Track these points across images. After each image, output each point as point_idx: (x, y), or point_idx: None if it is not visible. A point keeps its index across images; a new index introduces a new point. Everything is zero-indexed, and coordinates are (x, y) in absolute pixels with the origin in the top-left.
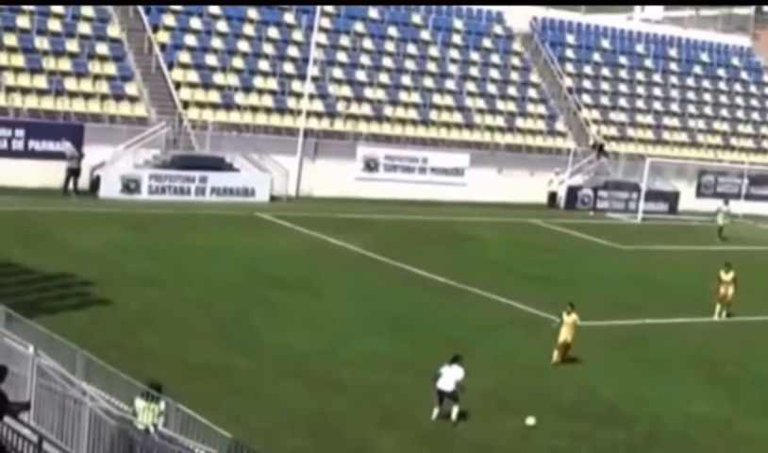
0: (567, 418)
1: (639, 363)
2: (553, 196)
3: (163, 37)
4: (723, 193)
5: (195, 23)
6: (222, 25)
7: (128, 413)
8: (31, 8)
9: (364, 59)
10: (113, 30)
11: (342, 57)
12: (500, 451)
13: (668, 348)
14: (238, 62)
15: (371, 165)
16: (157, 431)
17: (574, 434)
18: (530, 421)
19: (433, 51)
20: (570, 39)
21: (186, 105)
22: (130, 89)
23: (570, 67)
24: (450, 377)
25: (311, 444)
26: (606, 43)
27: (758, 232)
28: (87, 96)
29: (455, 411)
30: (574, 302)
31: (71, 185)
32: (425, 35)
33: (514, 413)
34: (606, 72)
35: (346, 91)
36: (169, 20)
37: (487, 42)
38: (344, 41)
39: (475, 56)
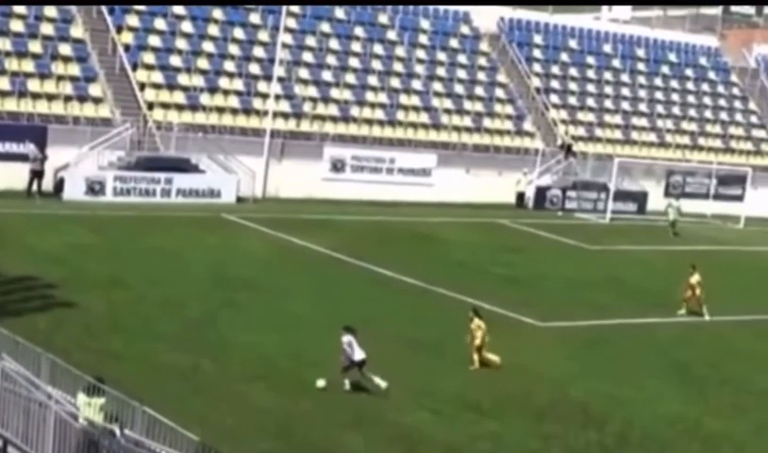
0: (539, 419)
1: (609, 364)
2: (521, 196)
3: (127, 37)
4: (691, 193)
5: (160, 23)
6: (186, 26)
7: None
8: None
9: (331, 60)
10: (77, 31)
11: (308, 57)
12: (472, 452)
13: (638, 349)
14: (203, 63)
15: (338, 166)
16: (123, 434)
17: (546, 435)
18: (320, 383)
19: (400, 51)
20: (537, 39)
21: (151, 106)
22: (94, 90)
23: (537, 67)
24: (357, 345)
25: (280, 446)
26: (573, 43)
27: (726, 232)
28: (50, 97)
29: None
30: (477, 308)
31: (34, 187)
32: (391, 35)
33: (485, 415)
34: (573, 72)
35: (313, 91)
36: (133, 20)
37: (454, 43)
38: (311, 41)
39: (442, 56)
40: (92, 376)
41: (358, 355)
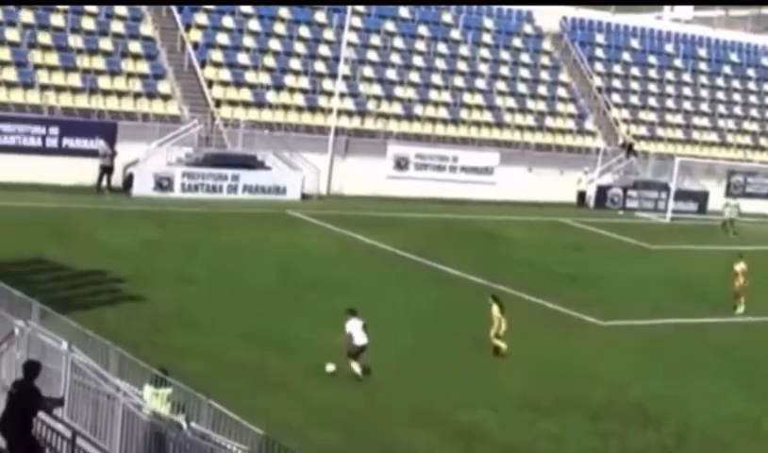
0: (598, 418)
1: (668, 363)
2: (582, 195)
3: (196, 35)
4: (752, 193)
5: (227, 21)
6: (254, 24)
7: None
8: (65, 6)
9: (395, 58)
10: (146, 29)
11: (372, 55)
12: (531, 451)
13: (697, 348)
14: (269, 61)
15: (401, 164)
16: (189, 427)
17: (604, 434)
18: (330, 368)
19: (463, 50)
20: (599, 38)
21: (218, 103)
22: (163, 87)
23: (599, 66)
24: (360, 330)
25: (342, 441)
26: (635, 43)
27: None
28: (120, 94)
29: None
30: (497, 295)
31: (104, 183)
32: (455, 34)
33: (545, 414)
34: (635, 71)
35: (377, 89)
36: (201, 19)
37: (517, 42)
38: (375, 40)
39: (505, 55)
40: (157, 368)
41: (360, 340)
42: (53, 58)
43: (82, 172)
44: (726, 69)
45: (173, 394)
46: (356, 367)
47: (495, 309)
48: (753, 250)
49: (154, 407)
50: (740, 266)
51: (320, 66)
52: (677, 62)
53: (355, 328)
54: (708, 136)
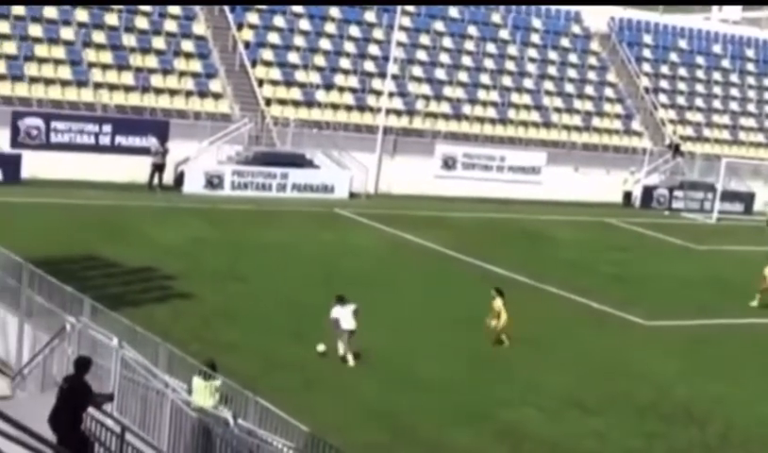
0: (642, 418)
1: (713, 363)
2: (628, 196)
3: (247, 35)
4: None
5: (279, 21)
6: (304, 24)
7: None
8: (120, 6)
9: (444, 58)
10: (199, 28)
11: (421, 55)
12: (576, 450)
13: (742, 349)
14: (319, 60)
15: (449, 163)
16: (236, 424)
17: (648, 434)
18: (320, 348)
19: (512, 50)
20: (647, 39)
21: (268, 102)
22: (214, 86)
23: (647, 67)
24: (349, 315)
25: (387, 439)
26: (683, 44)
27: None
28: (172, 93)
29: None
30: (502, 289)
31: (156, 180)
32: (504, 34)
33: (591, 413)
34: (683, 72)
35: (426, 89)
36: (253, 18)
37: (565, 42)
38: (424, 39)
39: (553, 55)
40: (205, 360)
41: (347, 324)
42: (107, 57)
43: (134, 169)
44: None
45: (221, 386)
46: (340, 348)
47: (498, 302)
48: None
49: (201, 398)
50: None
51: (369, 65)
52: (725, 63)
53: (341, 314)
54: (754, 137)
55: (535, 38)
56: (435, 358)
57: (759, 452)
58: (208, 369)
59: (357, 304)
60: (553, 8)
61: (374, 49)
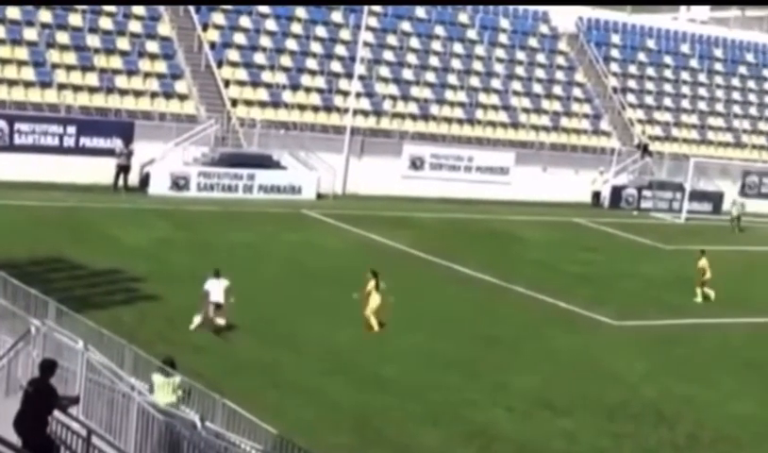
0: (611, 418)
1: (682, 363)
2: (597, 195)
3: (213, 35)
4: (767, 194)
5: (244, 21)
6: (270, 24)
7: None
8: (83, 6)
9: (411, 58)
10: (164, 29)
11: (388, 56)
12: (545, 450)
13: (711, 348)
14: (286, 61)
15: (417, 163)
16: (204, 426)
17: (618, 434)
18: (196, 320)
19: (479, 50)
20: (615, 38)
21: (234, 103)
22: (180, 87)
23: (615, 67)
24: (220, 289)
25: (355, 441)
26: (651, 43)
27: None
28: (137, 94)
29: (222, 322)
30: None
31: (121, 182)
32: (471, 34)
33: (560, 413)
34: (651, 72)
35: (393, 89)
36: (218, 18)
37: (533, 42)
38: (391, 40)
39: (520, 55)
40: (164, 358)
41: (215, 297)
42: (71, 58)
43: (99, 171)
44: (742, 69)
45: (181, 382)
46: (197, 319)
47: (372, 284)
48: (763, 251)
49: (162, 396)
50: (702, 262)
51: (336, 66)
52: (693, 63)
53: (213, 287)
54: (723, 136)
55: (503, 38)
56: (402, 358)
57: (729, 452)
58: (167, 367)
59: (230, 282)
60: (520, 7)
61: (340, 49)
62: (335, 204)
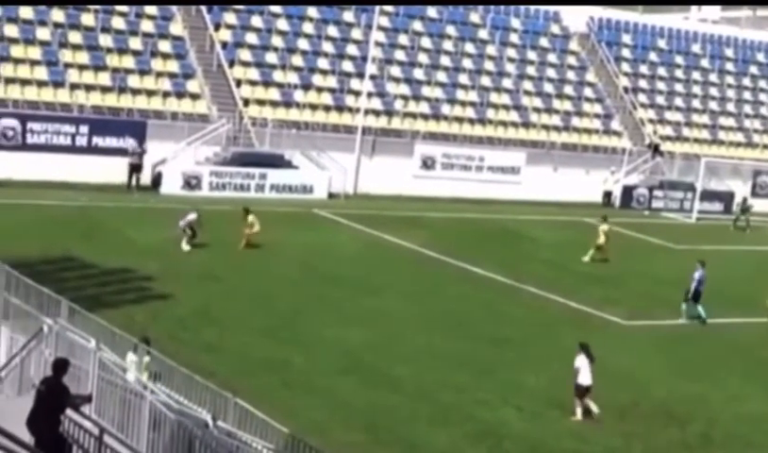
0: (621, 418)
1: (692, 363)
2: (608, 195)
3: (225, 35)
4: None
5: (256, 21)
6: (282, 24)
7: (186, 406)
8: (96, 6)
9: (422, 58)
10: (176, 28)
11: (400, 55)
12: (555, 450)
13: (721, 348)
14: (298, 60)
15: (428, 163)
16: (216, 425)
17: (628, 433)
18: (185, 248)
19: (491, 50)
20: (626, 38)
21: (246, 102)
22: (192, 86)
23: (626, 67)
24: (193, 217)
25: (366, 440)
26: (662, 43)
27: None
28: (149, 93)
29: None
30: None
31: (133, 181)
32: (482, 34)
33: (569, 412)
34: (662, 71)
35: (404, 89)
36: (230, 18)
37: (544, 42)
38: (403, 39)
39: (532, 55)
40: (140, 336)
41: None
42: (83, 58)
43: (111, 170)
44: (753, 69)
45: (150, 363)
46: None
47: (251, 217)
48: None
49: (136, 373)
50: (603, 227)
51: (347, 66)
52: (704, 62)
53: (189, 217)
54: (734, 136)
55: (514, 38)
56: (413, 358)
57: (740, 451)
58: (143, 344)
59: (199, 213)
60: (532, 7)
61: (352, 49)
62: (346, 203)
